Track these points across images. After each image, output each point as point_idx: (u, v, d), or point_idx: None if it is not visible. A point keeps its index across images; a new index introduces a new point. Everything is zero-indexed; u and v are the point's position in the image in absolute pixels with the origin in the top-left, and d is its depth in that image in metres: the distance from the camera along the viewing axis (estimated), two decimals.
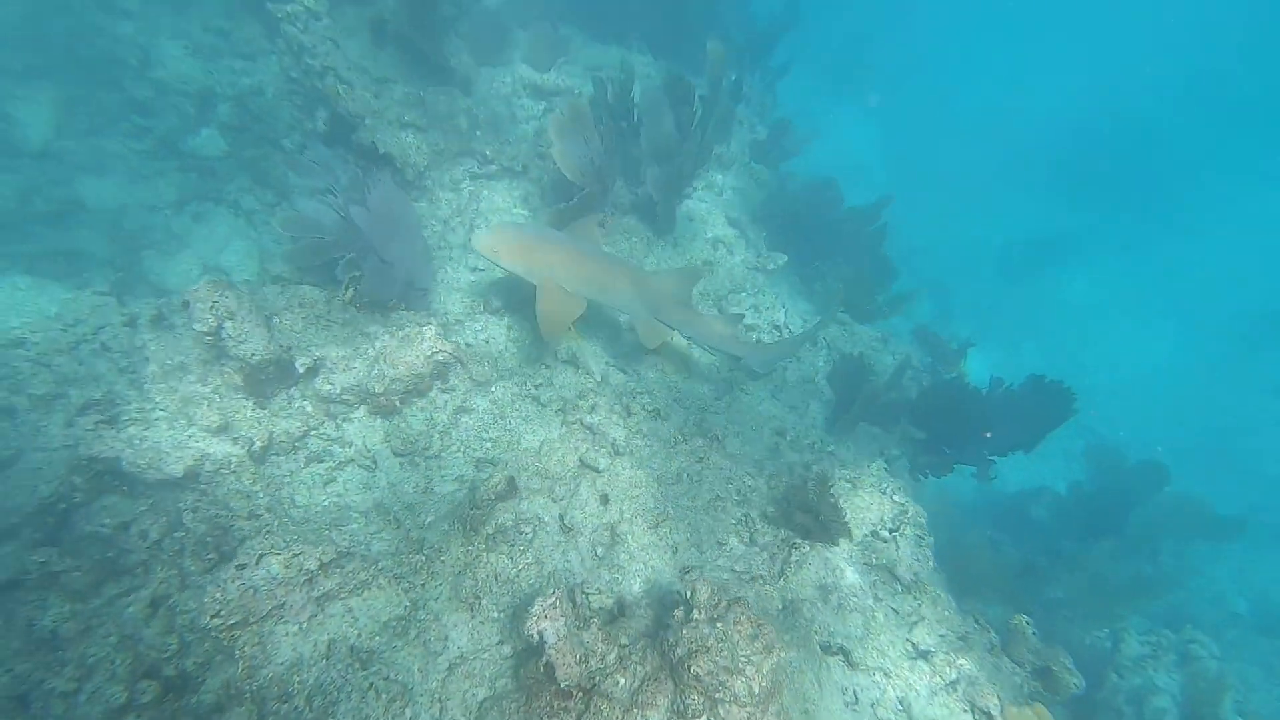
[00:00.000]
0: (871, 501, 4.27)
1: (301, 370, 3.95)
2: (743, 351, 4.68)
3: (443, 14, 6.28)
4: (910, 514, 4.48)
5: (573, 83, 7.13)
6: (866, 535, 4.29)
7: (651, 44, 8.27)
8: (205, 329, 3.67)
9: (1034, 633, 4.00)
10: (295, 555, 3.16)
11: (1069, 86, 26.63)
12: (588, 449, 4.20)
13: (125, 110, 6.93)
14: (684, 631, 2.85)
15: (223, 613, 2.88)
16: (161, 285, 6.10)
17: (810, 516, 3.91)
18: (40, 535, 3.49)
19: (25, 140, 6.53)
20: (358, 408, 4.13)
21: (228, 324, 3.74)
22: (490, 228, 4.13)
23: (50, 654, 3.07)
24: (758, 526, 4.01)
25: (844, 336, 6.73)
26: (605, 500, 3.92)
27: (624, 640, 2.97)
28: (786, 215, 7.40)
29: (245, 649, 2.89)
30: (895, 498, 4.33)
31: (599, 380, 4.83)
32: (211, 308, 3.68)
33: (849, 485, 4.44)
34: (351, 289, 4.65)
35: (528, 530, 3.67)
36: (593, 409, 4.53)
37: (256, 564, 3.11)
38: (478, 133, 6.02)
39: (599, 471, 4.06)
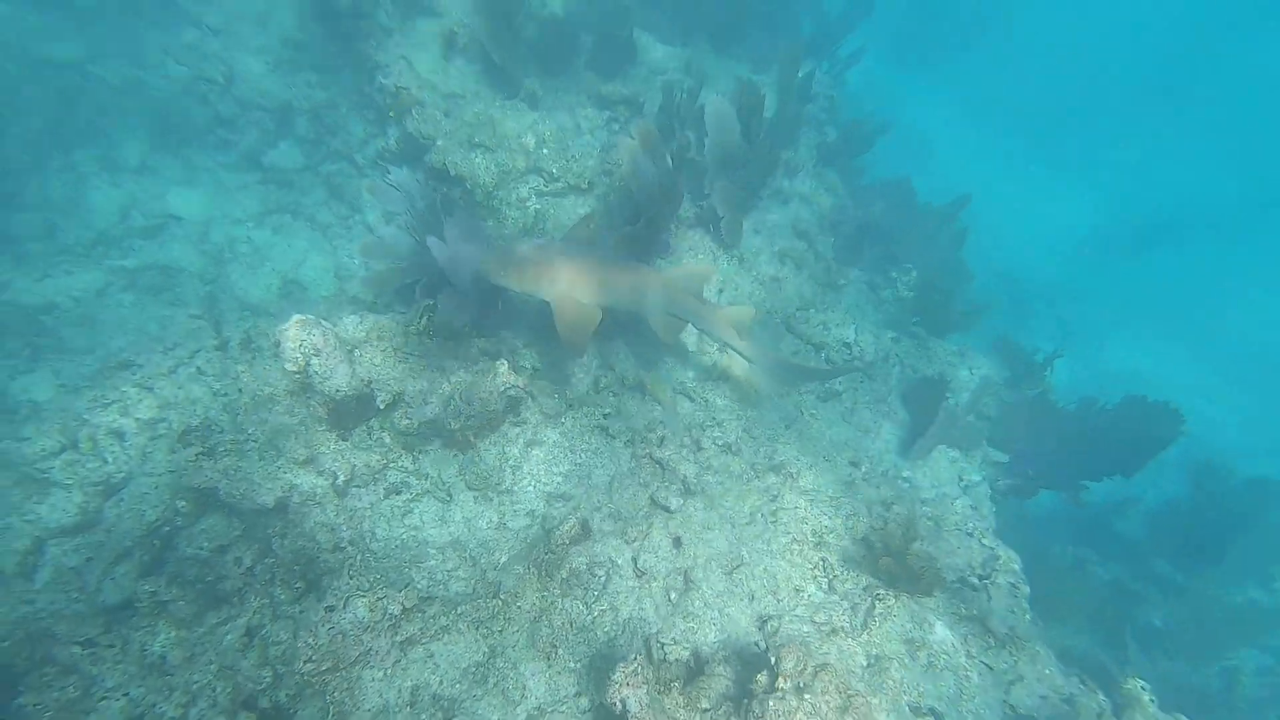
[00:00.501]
0: (958, 545, 4.04)
1: (382, 406, 4.02)
2: (751, 354, 4.48)
3: (517, 28, 6.20)
4: (1002, 560, 4.23)
5: (637, 89, 6.95)
6: (954, 583, 4.07)
7: (718, 41, 7.95)
8: (294, 368, 3.77)
9: (1152, 700, 3.68)
10: (380, 598, 3.23)
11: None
12: (658, 487, 4.13)
13: (212, 125, 7.22)
14: (770, 703, 2.76)
15: (315, 658, 2.99)
16: (246, 299, 6.37)
17: (897, 563, 3.73)
18: (148, 557, 3.72)
19: (126, 157, 6.91)
20: (433, 440, 4.19)
21: (314, 360, 3.84)
22: (495, 250, 4.12)
23: (160, 679, 3.27)
24: (837, 572, 3.86)
25: (917, 351, 6.38)
26: (678, 543, 3.85)
27: (705, 704, 2.91)
28: (857, 221, 7.05)
29: (335, 694, 2.99)
30: (984, 541, 4.08)
31: (667, 410, 4.74)
32: (299, 346, 3.78)
33: (931, 524, 4.22)
34: (425, 318, 4.69)
35: (601, 574, 3.65)
36: (661, 442, 4.45)
37: (344, 606, 3.21)
38: (544, 150, 5.95)
39: (670, 512, 3.99)
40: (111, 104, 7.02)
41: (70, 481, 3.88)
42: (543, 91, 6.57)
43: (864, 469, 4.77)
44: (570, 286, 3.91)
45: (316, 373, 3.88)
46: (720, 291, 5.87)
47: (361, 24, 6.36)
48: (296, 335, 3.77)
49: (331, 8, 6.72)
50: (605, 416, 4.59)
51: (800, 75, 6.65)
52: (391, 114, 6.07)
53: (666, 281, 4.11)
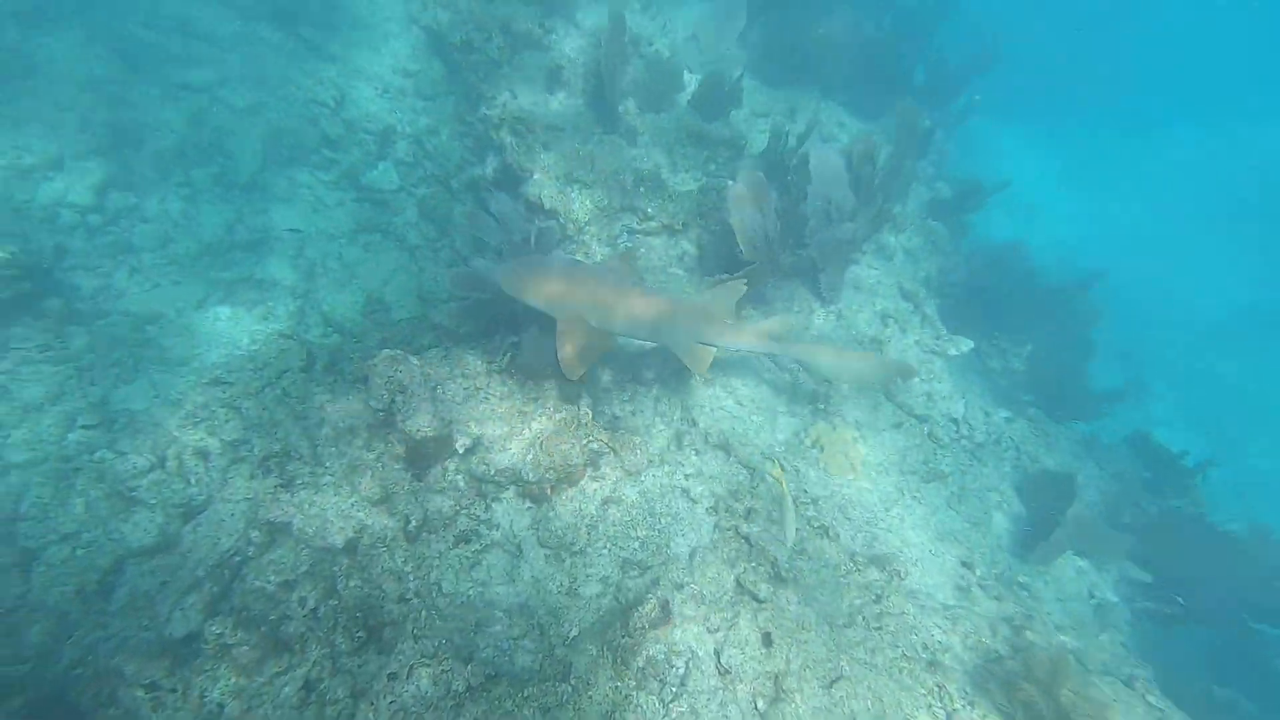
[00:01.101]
0: (1113, 695, 3.41)
1: (461, 450, 3.83)
2: (799, 352, 4.27)
3: (621, 68, 6.12)
4: None
5: (739, 131, 6.72)
6: None
7: (826, 87, 7.66)
8: (379, 405, 3.64)
9: None
10: (444, 670, 2.97)
11: None
12: (745, 569, 3.72)
13: (318, 144, 7.49)
14: None
15: None
16: (331, 315, 6.44)
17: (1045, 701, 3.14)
18: (217, 589, 3.62)
19: (237, 172, 7.24)
20: (508, 488, 3.96)
21: (399, 397, 3.70)
22: (514, 262, 3.96)
23: None
24: (957, 705, 3.32)
25: (1034, 437, 5.72)
26: (768, 640, 3.42)
27: None
28: (968, 285, 6.49)
29: None
30: (1149, 698, 3.43)
31: (754, 477, 4.35)
32: (386, 383, 3.65)
33: (1073, 658, 3.59)
34: (508, 356, 4.52)
35: (680, 665, 3.26)
36: (749, 514, 4.06)
37: (408, 676, 2.96)
38: (641, 188, 5.77)
39: (760, 601, 3.57)
40: (233, 125, 7.39)
41: (154, 501, 3.86)
42: (643, 128, 6.44)
43: (979, 572, 4.20)
44: (584, 306, 3.73)
45: (400, 409, 3.73)
46: None
47: (472, 57, 6.45)
48: (384, 371, 3.64)
49: (443, 40, 6.90)
50: (687, 478, 4.24)
51: (920, 129, 6.24)
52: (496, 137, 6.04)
53: (689, 310, 3.89)
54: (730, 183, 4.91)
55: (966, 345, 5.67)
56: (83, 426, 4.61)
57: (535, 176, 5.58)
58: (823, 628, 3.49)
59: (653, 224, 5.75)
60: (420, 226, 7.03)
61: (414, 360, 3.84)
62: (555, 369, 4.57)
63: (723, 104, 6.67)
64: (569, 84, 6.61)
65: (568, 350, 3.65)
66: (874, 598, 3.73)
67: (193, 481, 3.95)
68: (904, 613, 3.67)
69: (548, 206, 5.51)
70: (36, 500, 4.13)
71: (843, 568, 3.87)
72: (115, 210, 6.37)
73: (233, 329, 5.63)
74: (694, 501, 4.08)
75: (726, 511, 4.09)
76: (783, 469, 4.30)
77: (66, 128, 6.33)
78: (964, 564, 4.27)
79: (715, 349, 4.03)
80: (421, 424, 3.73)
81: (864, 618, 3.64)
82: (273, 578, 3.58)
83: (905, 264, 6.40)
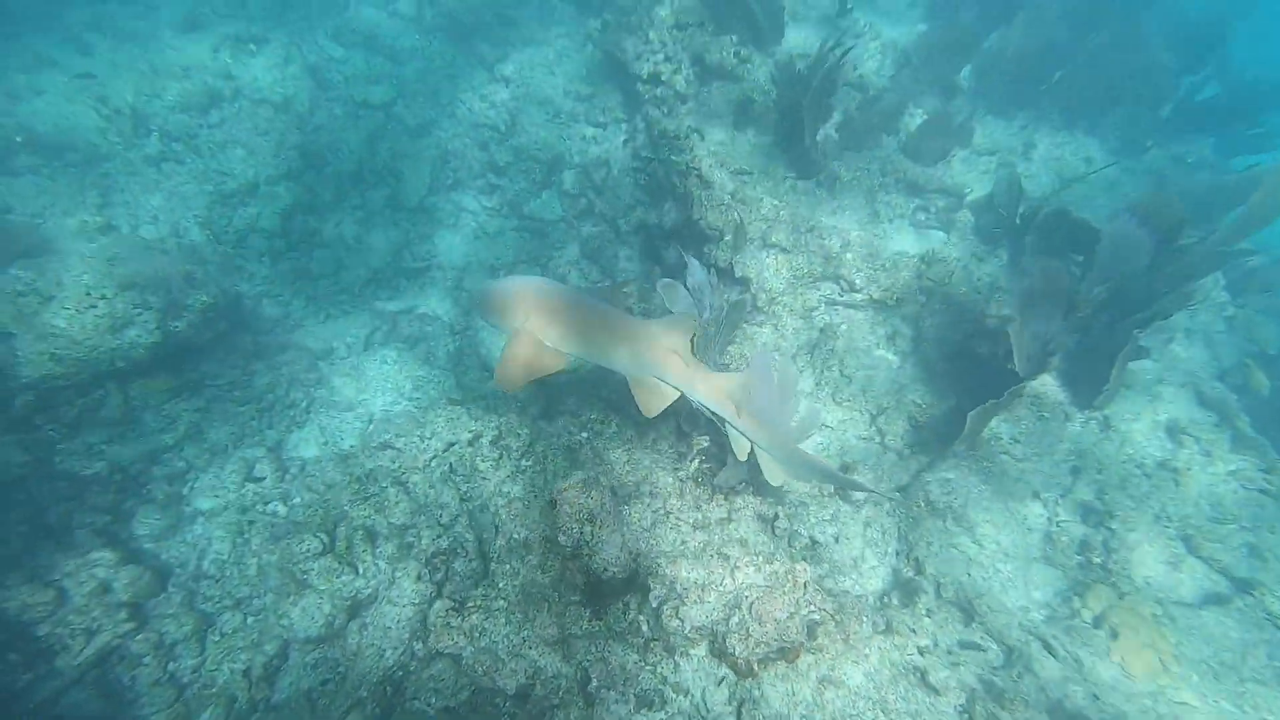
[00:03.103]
0: None
1: (654, 603, 3.24)
2: (755, 435, 3.31)
3: (825, 103, 5.25)
4: None
5: (962, 180, 5.62)
6: None
7: (1070, 113, 6.29)
8: (568, 541, 3.13)
9: None
10: None
11: None
12: None
13: (485, 169, 7.27)
14: None
15: None
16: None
17: None
18: (378, 710, 3.32)
19: (407, 195, 7.19)
20: (700, 644, 3.33)
21: (587, 529, 3.17)
22: (488, 284, 3.62)
23: None
24: None
25: None
26: None
27: None
28: None
29: None
30: None
31: (1012, 660, 3.42)
32: (576, 514, 3.14)
33: None
34: (698, 461, 3.88)
35: None
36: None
37: None
38: (849, 254, 4.90)
39: None
40: (406, 146, 7.34)
41: (324, 588, 3.64)
42: (845, 173, 5.54)
43: None
44: (537, 321, 3.30)
45: (586, 540, 3.21)
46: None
47: (657, 90, 5.84)
48: (575, 500, 3.13)
49: (623, 67, 6.36)
50: (923, 653, 3.40)
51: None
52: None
53: (650, 335, 3.26)
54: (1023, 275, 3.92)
55: None
56: (257, 479, 4.56)
57: (728, 238, 4.87)
58: None
59: (859, 296, 4.87)
60: (581, 266, 6.58)
61: (604, 483, 3.29)
62: (750, 483, 3.91)
63: (945, 146, 5.59)
64: (760, 119, 5.81)
65: (509, 366, 3.28)
66: None
67: (361, 571, 3.69)
68: None
69: (739, 274, 4.80)
70: (216, 556, 4.09)
71: None
72: (298, 235, 6.48)
73: (398, 374, 5.47)
74: (936, 693, 3.24)
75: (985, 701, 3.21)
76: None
77: (263, 152, 6.50)
78: None
79: (675, 392, 3.33)
80: (609, 559, 3.19)
81: None
82: (434, 700, 3.22)
83: (1200, 353, 5.03)
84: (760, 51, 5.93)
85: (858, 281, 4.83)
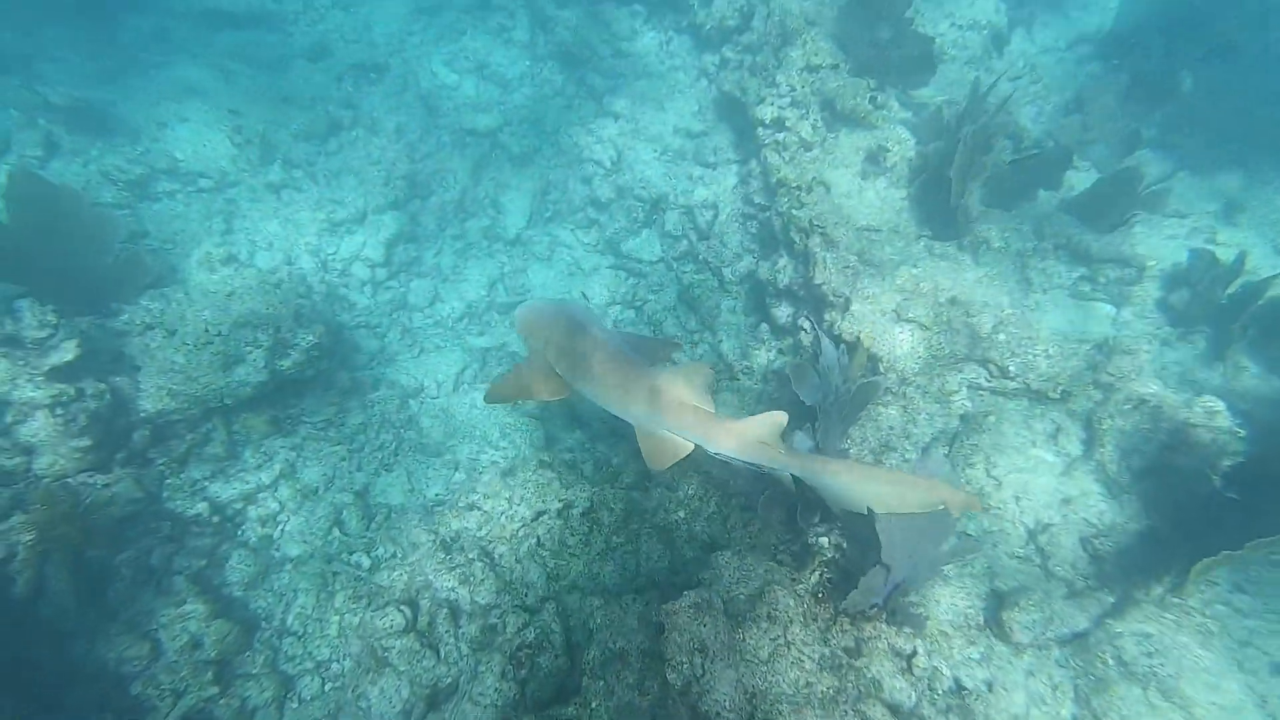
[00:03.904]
0: None
1: None
2: (783, 462, 3.12)
3: (978, 156, 4.63)
4: None
5: (1144, 247, 4.83)
6: None
7: None
8: (678, 679, 2.75)
9: None
10: None
11: None
12: None
13: (585, 203, 7.08)
14: None
15: None
16: (577, 412, 5.91)
17: None
18: None
19: (505, 227, 7.12)
20: None
21: (697, 660, 2.77)
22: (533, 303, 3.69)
23: None
24: None
25: None
26: None
27: None
28: None
29: None
30: None
31: None
32: (688, 644, 2.74)
33: None
34: (818, 574, 3.40)
35: None
36: None
37: None
38: (1001, 335, 4.26)
39: None
40: (509, 176, 7.27)
41: (403, 669, 3.43)
42: (993, 235, 4.89)
43: None
44: (555, 350, 3.30)
45: (697, 679, 2.81)
46: None
47: (780, 135, 5.41)
48: (687, 628, 2.73)
49: (742, 109, 5.97)
50: None
51: None
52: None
53: (661, 384, 3.07)
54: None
55: None
56: (343, 526, 4.48)
57: (854, 308, 4.36)
58: None
59: (1012, 384, 4.22)
60: (679, 312, 6.22)
61: (716, 601, 2.89)
62: (884, 603, 3.38)
63: (1124, 208, 4.82)
64: (893, 170, 5.26)
65: (505, 383, 3.40)
66: None
67: (442, 655, 3.47)
68: None
69: (865, 346, 4.28)
70: (300, 610, 4.00)
71: None
72: (398, 264, 6.51)
73: (485, 421, 5.30)
74: None
75: None
76: None
77: (373, 181, 6.59)
78: None
79: (688, 445, 3.14)
80: (721, 701, 2.77)
81: None
82: None
83: None
84: (900, 96, 5.38)
85: (1011, 368, 4.19)
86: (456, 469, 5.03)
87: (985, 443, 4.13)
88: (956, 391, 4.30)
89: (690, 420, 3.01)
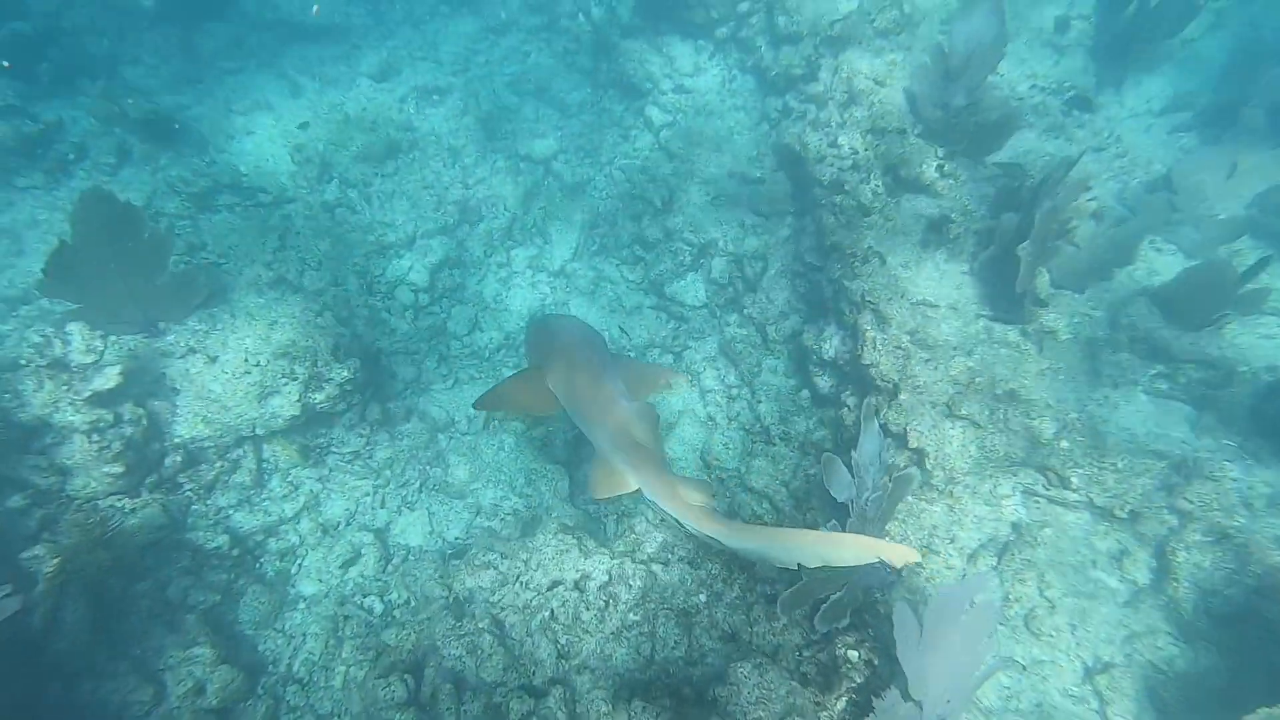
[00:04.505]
0: None
1: None
2: (715, 530, 3.16)
3: (1053, 239, 4.30)
4: None
5: (1235, 348, 4.40)
6: None
7: None
8: None
9: None
10: None
11: None
12: None
13: (632, 240, 6.96)
14: None
15: None
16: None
17: None
18: None
19: (551, 258, 7.05)
20: None
21: None
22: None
23: None
24: None
25: None
26: None
27: None
28: None
29: None
30: None
31: None
32: None
33: None
34: (845, 699, 3.16)
35: None
36: None
37: None
38: (1064, 443, 3.93)
39: None
40: (559, 207, 7.22)
41: None
42: (1061, 324, 4.54)
43: None
44: (550, 368, 3.36)
45: None
46: None
47: (837, 197, 5.17)
48: None
49: (799, 160, 5.74)
50: None
51: None
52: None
53: (623, 419, 3.06)
54: None
55: None
56: (360, 566, 4.44)
57: (902, 398, 4.09)
58: None
59: (1073, 495, 3.88)
60: (718, 364, 6.02)
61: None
62: None
63: (1213, 307, 4.40)
64: (956, 241, 4.96)
65: (498, 393, 3.38)
66: None
67: None
68: None
69: (913, 444, 4.00)
70: (308, 657, 3.97)
71: None
72: (441, 289, 6.52)
73: (512, 465, 5.21)
74: None
75: None
76: None
77: (425, 205, 6.62)
78: None
79: (634, 484, 3.15)
80: None
81: None
82: None
83: None
84: (970, 165, 5.07)
85: (1074, 479, 3.85)
86: (478, 513, 4.96)
87: (1039, 558, 3.80)
88: (1009, 496, 3.98)
89: (638, 460, 3.03)
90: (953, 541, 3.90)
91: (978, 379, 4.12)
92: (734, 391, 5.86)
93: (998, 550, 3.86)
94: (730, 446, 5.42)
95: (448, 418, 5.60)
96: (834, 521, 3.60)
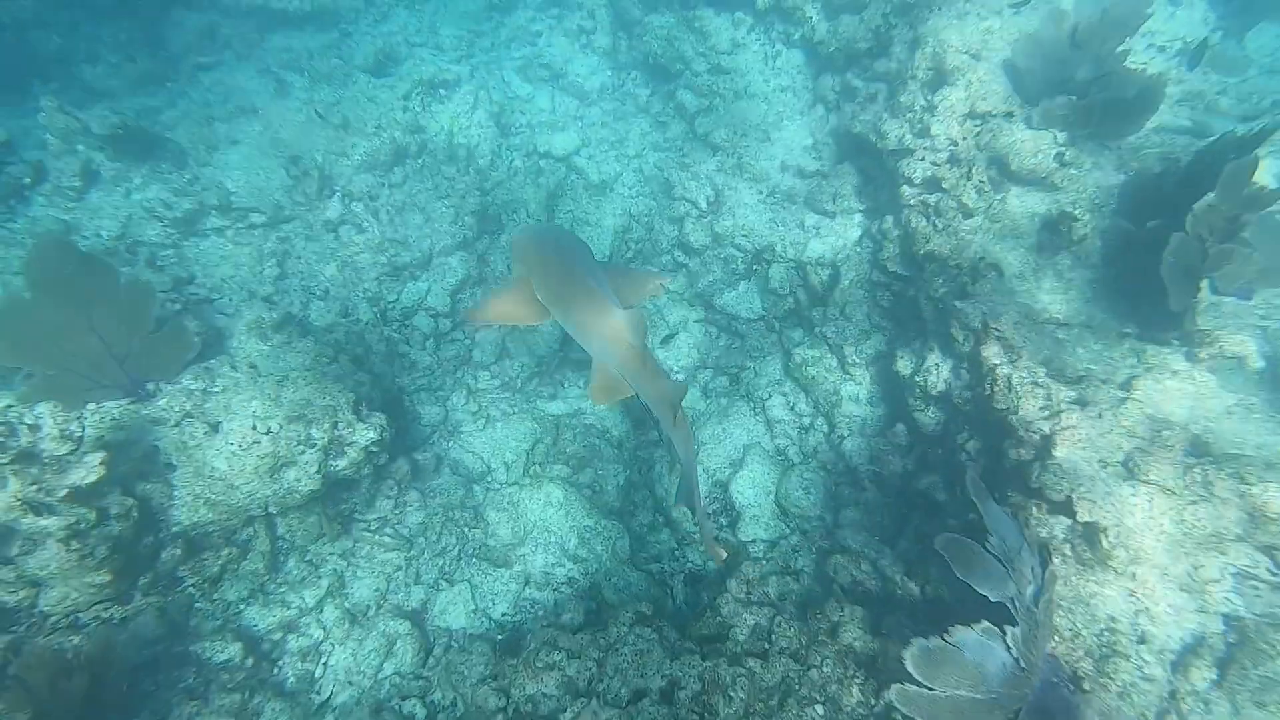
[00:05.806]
0: None
1: None
2: (686, 454, 3.05)
3: (1226, 239, 3.53)
4: None
5: None
6: None
7: None
8: None
9: None
10: None
11: None
12: None
13: (672, 245, 6.17)
14: None
15: None
16: (663, 501, 5.09)
17: None
18: None
19: None
20: None
21: None
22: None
23: None
24: None
25: None
26: None
27: None
28: None
29: None
30: None
31: None
32: None
33: None
34: None
35: None
36: None
37: None
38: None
39: None
40: (587, 209, 6.43)
41: None
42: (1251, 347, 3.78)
43: None
44: (538, 276, 3.14)
45: None
46: None
47: (931, 196, 4.36)
48: None
49: (872, 149, 4.93)
50: None
51: None
52: None
53: (615, 322, 2.89)
54: None
55: None
56: (396, 661, 3.79)
57: (1059, 455, 3.33)
58: None
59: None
60: (785, 388, 5.30)
61: None
62: None
63: None
64: (1082, 244, 4.18)
65: (487, 305, 3.34)
66: None
67: None
68: None
69: (1084, 518, 3.23)
70: None
71: None
72: (464, 312, 5.78)
73: (562, 523, 4.54)
74: None
75: None
76: None
77: (441, 219, 5.81)
78: None
79: (627, 387, 3.02)
80: None
81: None
82: None
83: None
84: (1097, 150, 4.26)
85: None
86: (527, 582, 4.30)
87: (1258, 671, 3.06)
88: (1218, 581, 3.22)
89: (630, 363, 2.94)
90: (1143, 642, 3.15)
91: (1164, 433, 3.32)
92: (809, 422, 5.15)
93: (1215, 660, 3.11)
94: (811, 489, 4.72)
95: (483, 466, 4.91)
96: (990, 625, 2.90)
